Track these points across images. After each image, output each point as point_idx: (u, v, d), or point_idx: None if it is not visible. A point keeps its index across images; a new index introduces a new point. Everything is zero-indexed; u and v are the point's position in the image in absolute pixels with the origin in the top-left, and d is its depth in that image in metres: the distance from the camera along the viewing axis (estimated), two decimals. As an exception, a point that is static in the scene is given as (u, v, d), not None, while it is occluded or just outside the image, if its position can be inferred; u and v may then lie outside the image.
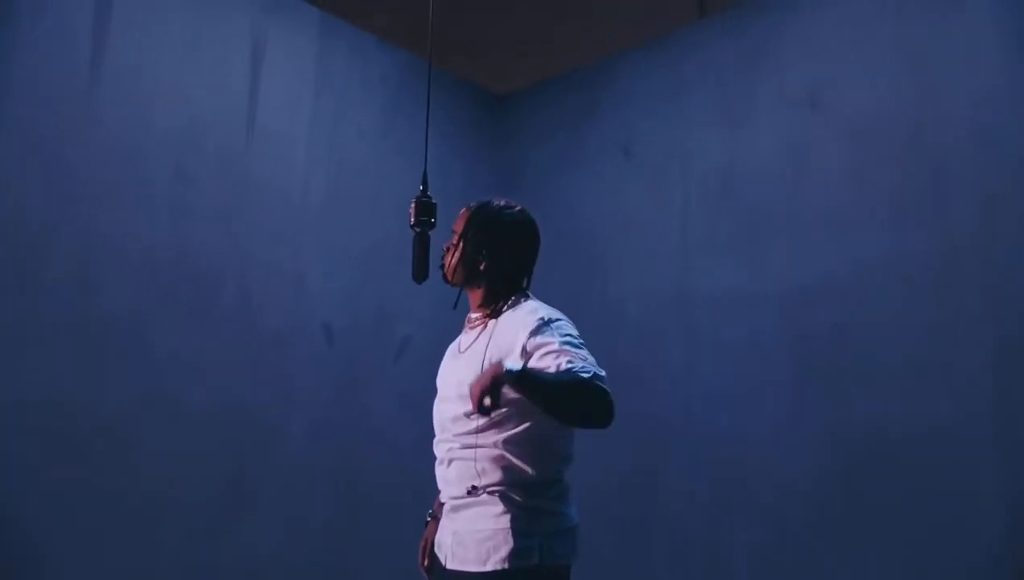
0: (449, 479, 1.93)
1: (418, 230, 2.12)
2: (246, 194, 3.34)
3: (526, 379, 1.69)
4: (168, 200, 3.13)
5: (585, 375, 1.73)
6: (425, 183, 2.21)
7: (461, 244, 2.03)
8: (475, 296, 2.06)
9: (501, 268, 2.02)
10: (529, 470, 1.85)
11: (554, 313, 1.95)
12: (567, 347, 1.82)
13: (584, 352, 1.83)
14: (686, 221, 3.64)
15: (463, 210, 2.08)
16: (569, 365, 1.76)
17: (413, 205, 2.15)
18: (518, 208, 2.12)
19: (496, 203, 2.09)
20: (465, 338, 2.05)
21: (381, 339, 3.69)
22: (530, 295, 2.07)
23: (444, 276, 2.07)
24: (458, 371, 1.96)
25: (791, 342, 3.26)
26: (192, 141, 3.21)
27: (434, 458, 2.01)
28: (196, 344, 3.13)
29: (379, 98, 3.83)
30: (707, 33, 3.70)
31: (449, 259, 2.05)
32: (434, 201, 2.17)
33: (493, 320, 1.99)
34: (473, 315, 2.06)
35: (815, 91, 3.35)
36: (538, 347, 1.83)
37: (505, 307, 1.99)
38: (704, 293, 3.52)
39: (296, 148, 3.53)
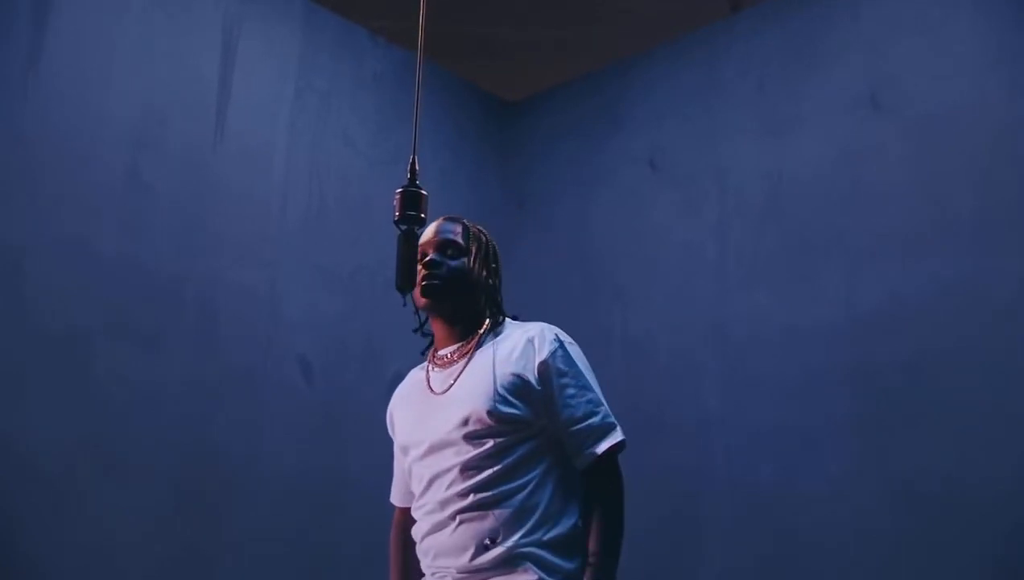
0: (460, 545, 1.70)
1: (404, 227, 1.77)
2: (212, 204, 3.01)
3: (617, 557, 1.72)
4: (119, 207, 2.79)
5: (613, 442, 1.77)
6: (413, 172, 1.87)
7: (463, 261, 1.87)
8: (449, 328, 1.88)
9: (496, 293, 1.92)
10: (555, 521, 1.72)
11: (562, 332, 1.87)
12: (585, 386, 1.80)
13: (597, 389, 1.83)
14: (723, 242, 3.29)
15: (454, 221, 1.94)
16: (590, 415, 1.76)
17: (398, 196, 1.81)
18: None
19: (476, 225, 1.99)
20: (437, 377, 1.85)
21: (368, 376, 3.31)
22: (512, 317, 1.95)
23: (428, 293, 1.84)
24: (446, 410, 1.77)
25: (850, 381, 2.88)
26: (150, 140, 2.88)
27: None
28: (146, 377, 2.77)
29: (371, 100, 3.51)
30: (744, 25, 3.38)
31: (441, 272, 1.85)
32: (424, 192, 1.83)
33: (478, 350, 1.83)
34: (444, 352, 1.88)
35: (876, 90, 3.01)
36: (561, 375, 1.77)
37: (488, 337, 1.85)
38: (744, 325, 3.16)
39: (273, 154, 3.20)
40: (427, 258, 1.86)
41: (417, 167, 1.88)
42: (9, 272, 2.55)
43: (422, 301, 1.85)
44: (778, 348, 3.06)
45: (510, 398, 1.71)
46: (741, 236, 3.25)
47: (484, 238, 1.93)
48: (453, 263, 1.85)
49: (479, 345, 1.82)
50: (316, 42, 3.36)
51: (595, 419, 1.74)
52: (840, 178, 3.04)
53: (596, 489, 1.74)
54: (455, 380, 1.79)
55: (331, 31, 3.41)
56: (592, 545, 1.69)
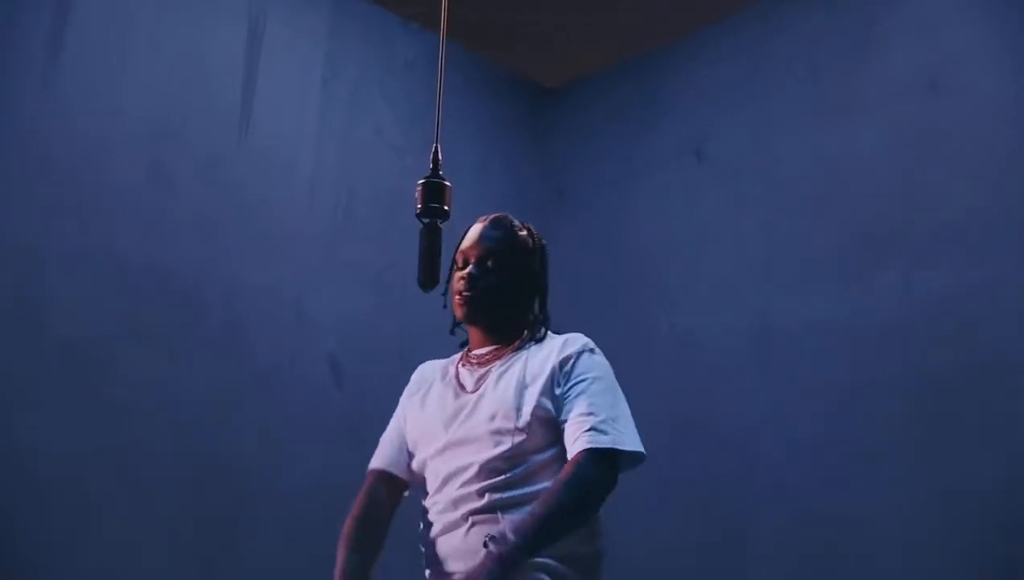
0: (472, 548, 1.63)
1: (426, 221, 1.74)
2: (237, 203, 2.95)
3: (535, 544, 1.55)
4: (140, 208, 2.74)
5: (595, 445, 1.63)
6: (436, 161, 1.82)
7: (499, 272, 1.81)
8: (485, 335, 1.86)
9: (540, 306, 1.88)
10: (575, 536, 1.63)
11: (593, 344, 1.83)
12: (600, 389, 1.71)
13: (621, 403, 1.74)
14: (771, 237, 3.15)
15: (494, 226, 1.86)
16: (590, 417, 1.66)
17: (420, 188, 1.77)
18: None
19: (515, 220, 1.91)
20: (468, 375, 1.82)
21: (400, 378, 3.20)
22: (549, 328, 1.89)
23: (465, 308, 1.81)
24: (473, 408, 1.74)
25: (907, 387, 2.72)
26: (172, 138, 2.82)
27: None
28: (168, 383, 2.71)
29: (402, 88, 3.43)
30: (794, 6, 3.23)
31: (478, 286, 1.80)
32: (447, 183, 1.78)
33: (515, 355, 1.80)
34: (479, 351, 1.85)
35: (935, 73, 2.85)
36: (574, 377, 1.72)
37: (528, 344, 1.82)
38: (794, 325, 3.01)
39: (299, 147, 3.13)
40: (466, 269, 1.81)
41: (440, 157, 1.82)
42: (24, 276, 2.51)
43: (458, 312, 1.82)
44: (830, 351, 2.91)
45: (539, 399, 1.68)
46: (791, 231, 3.10)
47: (532, 244, 1.86)
48: (493, 278, 1.80)
49: (516, 350, 1.80)
50: (345, 29, 3.28)
51: (594, 419, 1.65)
52: (897, 168, 2.89)
53: (568, 471, 1.61)
54: (487, 380, 1.76)
55: (360, 18, 3.33)
56: (525, 518, 1.57)
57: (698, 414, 3.16)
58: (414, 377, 1.96)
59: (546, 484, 1.63)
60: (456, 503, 1.68)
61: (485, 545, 1.57)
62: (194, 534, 2.69)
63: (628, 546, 3.16)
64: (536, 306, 1.86)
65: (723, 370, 3.15)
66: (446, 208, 1.75)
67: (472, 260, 1.81)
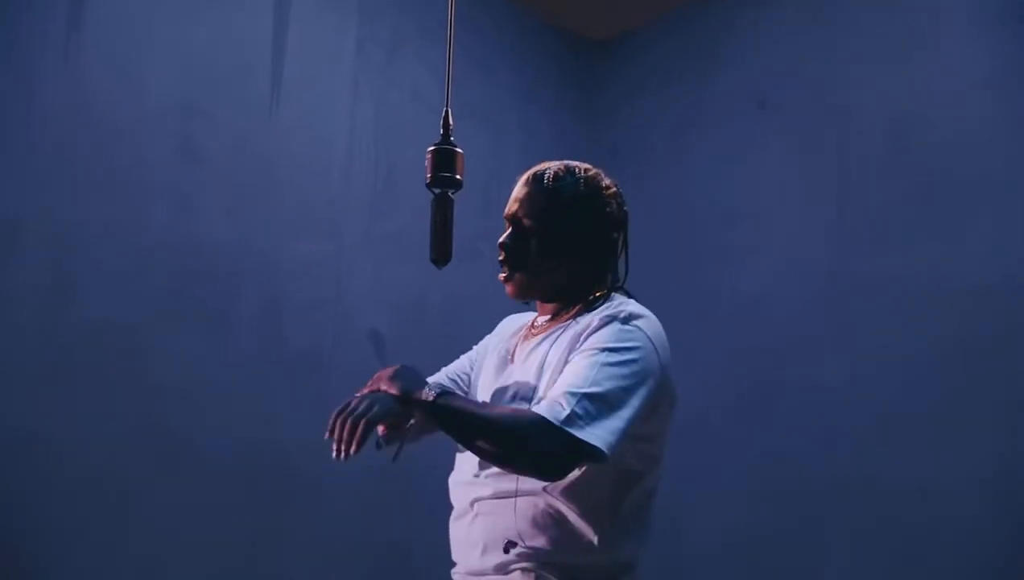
0: (472, 541, 1.52)
1: (437, 191, 1.63)
2: (271, 176, 2.88)
3: (440, 412, 1.40)
4: (170, 185, 2.69)
5: (548, 416, 1.35)
6: (446, 126, 1.72)
7: (539, 233, 1.58)
8: (549, 304, 1.65)
9: (595, 263, 1.60)
10: (594, 540, 1.44)
11: (646, 318, 1.51)
12: (599, 361, 1.41)
13: (620, 385, 1.40)
14: (844, 192, 2.95)
15: (526, 182, 1.63)
16: (567, 388, 1.38)
17: (429, 155, 1.67)
18: (606, 178, 1.67)
19: (578, 168, 1.64)
20: (522, 347, 1.63)
21: (447, 351, 3.12)
22: (623, 293, 1.62)
23: (507, 290, 1.62)
24: (502, 389, 1.58)
25: (999, 354, 2.52)
26: (200, 110, 2.76)
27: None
28: (205, 365, 2.68)
29: (440, 49, 3.27)
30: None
31: (513, 258, 1.60)
32: (458, 149, 1.67)
33: (562, 325, 1.57)
34: (540, 320, 1.66)
35: (1027, -1, 2.58)
36: (583, 347, 1.46)
37: (584, 314, 1.56)
38: (871, 287, 2.82)
39: (334, 115, 3.04)
40: (501, 240, 1.62)
41: (451, 121, 1.71)
42: (54, 257, 2.49)
43: (507, 293, 1.64)
44: (912, 314, 2.71)
45: (555, 379, 1.47)
46: (865, 184, 2.90)
47: (569, 186, 1.58)
48: (517, 243, 1.59)
49: (566, 321, 1.57)
50: (378, -10, 3.17)
51: (564, 389, 1.38)
52: (985, 110, 2.65)
53: (517, 419, 1.39)
54: (529, 353, 1.59)
55: (394, -24, 3.21)
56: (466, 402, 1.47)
57: (765, 387, 2.99)
58: (496, 330, 1.79)
59: (573, 477, 1.44)
60: (465, 488, 1.56)
61: (506, 550, 1.47)
62: (238, 518, 2.67)
63: (689, 535, 3.06)
64: (601, 272, 1.59)
65: (792, 338, 2.98)
66: (458, 177, 1.63)
67: (507, 226, 1.62)
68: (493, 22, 3.20)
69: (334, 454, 1.41)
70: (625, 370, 1.40)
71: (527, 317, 1.71)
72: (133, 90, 2.65)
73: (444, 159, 1.64)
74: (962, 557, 2.49)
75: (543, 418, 1.34)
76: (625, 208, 1.64)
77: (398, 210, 3.13)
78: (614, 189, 1.63)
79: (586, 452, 1.35)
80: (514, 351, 1.64)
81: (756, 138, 3.20)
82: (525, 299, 1.62)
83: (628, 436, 1.39)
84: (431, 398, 1.40)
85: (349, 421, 1.40)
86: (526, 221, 1.58)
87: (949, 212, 2.69)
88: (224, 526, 2.64)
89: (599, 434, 1.35)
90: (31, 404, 2.39)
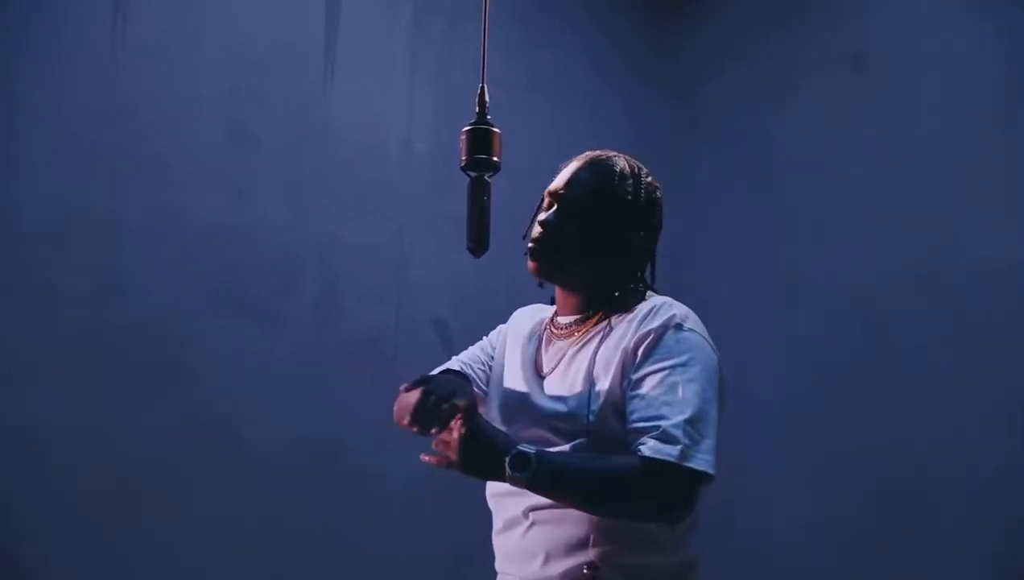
0: (530, 551, 1.48)
1: (472, 174, 1.57)
2: (327, 156, 2.80)
3: (540, 480, 1.34)
4: (220, 167, 2.64)
5: (663, 456, 1.33)
6: (482, 104, 1.62)
7: (577, 216, 1.54)
8: (566, 294, 1.60)
9: (630, 257, 1.57)
10: (668, 538, 1.45)
11: (692, 317, 1.50)
12: (680, 380, 1.39)
13: (706, 400, 1.39)
14: (949, 158, 2.69)
15: (588, 165, 1.58)
16: (660, 420, 1.35)
17: (464, 136, 1.58)
18: (648, 172, 1.62)
19: (643, 171, 1.60)
20: (549, 351, 1.59)
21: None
22: (653, 290, 1.61)
23: (531, 260, 1.57)
24: (543, 397, 1.53)
25: None
26: (250, 92, 2.70)
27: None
28: (260, 358, 2.64)
29: (503, 20, 3.13)
30: None
31: (549, 236, 1.55)
32: (496, 129, 1.58)
33: (603, 324, 1.53)
34: (563, 320, 1.60)
35: None
36: (648, 365, 1.41)
37: (618, 310, 1.54)
38: (983, 266, 2.58)
39: (391, 92, 2.94)
40: (543, 218, 1.57)
41: (487, 98, 1.60)
42: (104, 246, 2.47)
43: (529, 264, 1.59)
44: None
45: (610, 392, 1.44)
46: (979, 148, 2.63)
47: (631, 189, 1.55)
48: (572, 229, 1.53)
49: (597, 324, 1.54)
50: (436, -44, 3.04)
51: (664, 422, 1.35)
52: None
53: (622, 471, 1.35)
54: (558, 364, 1.55)
55: (452, -59, 3.08)
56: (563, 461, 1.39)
57: (861, 374, 2.78)
58: (509, 324, 1.75)
59: None
60: (515, 499, 1.49)
61: (587, 570, 1.42)
62: (293, 513, 2.63)
63: (775, 539, 2.89)
64: (629, 265, 1.57)
65: (892, 322, 2.76)
66: (495, 159, 1.55)
67: (555, 203, 1.56)
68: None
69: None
70: (702, 382, 1.40)
71: (542, 312, 1.67)
72: (181, 74, 2.61)
73: (480, 139, 1.56)
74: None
75: (661, 460, 1.33)
76: (661, 209, 1.61)
77: (461, 191, 2.95)
78: (661, 197, 1.61)
79: (704, 480, 1.36)
80: (540, 355, 1.59)
81: (852, 100, 2.95)
82: (548, 280, 1.58)
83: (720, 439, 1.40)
84: (525, 477, 1.33)
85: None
86: (579, 205, 1.53)
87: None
88: (279, 526, 2.61)
89: (707, 459, 1.35)
90: (82, 400, 2.38)
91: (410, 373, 2.85)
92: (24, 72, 2.40)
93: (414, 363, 2.86)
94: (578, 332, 1.54)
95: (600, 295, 1.55)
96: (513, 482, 1.33)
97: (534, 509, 1.47)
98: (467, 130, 1.55)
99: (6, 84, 2.38)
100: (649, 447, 1.33)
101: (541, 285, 1.62)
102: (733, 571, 2.87)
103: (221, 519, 2.52)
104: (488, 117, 1.57)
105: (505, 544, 1.54)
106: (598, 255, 1.53)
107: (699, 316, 1.50)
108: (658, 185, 1.60)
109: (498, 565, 1.59)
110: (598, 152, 1.60)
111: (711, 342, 1.47)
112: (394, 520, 2.79)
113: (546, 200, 1.59)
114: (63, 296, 2.39)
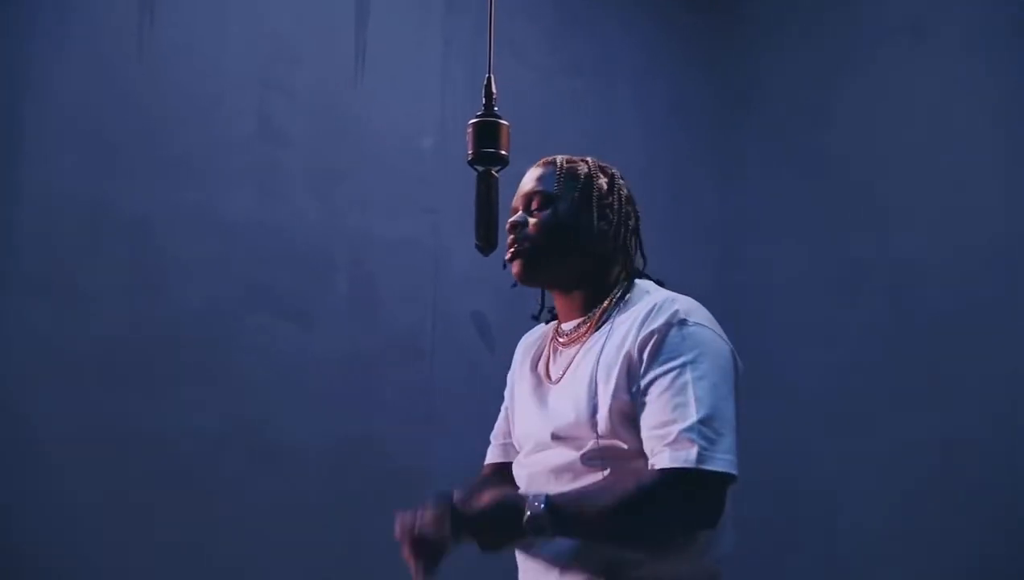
0: (539, 566, 1.47)
1: (480, 168, 1.53)
2: (359, 149, 2.78)
3: (561, 523, 1.32)
4: (251, 167, 2.63)
5: (680, 464, 1.29)
6: (488, 95, 1.58)
7: (549, 211, 1.52)
8: (565, 297, 1.57)
9: (616, 247, 1.53)
10: (698, 543, 1.39)
11: (697, 309, 1.44)
12: (691, 379, 1.34)
13: (720, 396, 1.35)
14: (1020, 133, 2.51)
15: (538, 165, 1.60)
16: (673, 425, 1.31)
17: (470, 129, 1.54)
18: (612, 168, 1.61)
19: (576, 158, 1.60)
20: (556, 359, 1.56)
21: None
22: (651, 281, 1.56)
23: (516, 264, 1.55)
24: (549, 413, 1.51)
25: None
26: (279, 82, 2.68)
27: None
28: (294, 356, 2.62)
29: (540, 1, 3.09)
30: None
31: (520, 235, 1.54)
32: (503, 121, 1.54)
33: (596, 331, 1.50)
34: (567, 326, 1.57)
35: None
36: (656, 366, 1.36)
37: (615, 310, 1.50)
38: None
39: (425, 78, 2.90)
40: (511, 220, 1.57)
41: (494, 89, 1.55)
42: (134, 246, 2.48)
43: (514, 273, 1.57)
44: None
45: (616, 397, 1.40)
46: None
47: (589, 172, 1.55)
48: (526, 220, 1.54)
49: (599, 322, 1.51)
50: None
51: (676, 427, 1.31)
52: None
53: (631, 491, 1.32)
54: (566, 371, 1.52)
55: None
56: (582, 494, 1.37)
57: (930, 366, 2.64)
58: (515, 356, 1.73)
59: None
60: None
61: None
62: (329, 519, 2.61)
63: (844, 535, 2.77)
64: (610, 243, 1.53)
65: (962, 309, 2.62)
66: (503, 152, 1.50)
67: (518, 209, 1.57)
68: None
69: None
70: (714, 377, 1.35)
71: (544, 329, 1.65)
72: (208, 68, 2.60)
73: (487, 132, 1.51)
74: None
75: (677, 469, 1.29)
76: (630, 193, 1.59)
77: (501, 179, 2.96)
78: (615, 172, 1.59)
79: (728, 482, 1.33)
80: (548, 365, 1.56)
81: (910, 71, 2.82)
82: (534, 282, 1.57)
83: (740, 437, 1.36)
84: (545, 528, 1.32)
85: None
86: (543, 196, 1.54)
87: None
88: (315, 527, 2.59)
89: (727, 459, 1.31)
90: (115, 401, 2.39)
91: (449, 370, 2.84)
92: (54, 73, 2.41)
93: (453, 359, 2.84)
94: (583, 337, 1.51)
95: (591, 291, 1.52)
96: (541, 535, 1.32)
97: None
98: (473, 123, 1.51)
99: (36, 86, 2.39)
100: (665, 457, 1.30)
101: (538, 314, 1.64)
102: (801, 574, 2.80)
103: (256, 519, 2.52)
104: (496, 109, 1.51)
105: (524, 558, 1.53)
106: (572, 242, 1.50)
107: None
108: (621, 176, 1.58)
109: (521, 577, 1.56)
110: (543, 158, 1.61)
111: (721, 333, 1.42)
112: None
113: (512, 212, 1.59)
114: (95, 297, 2.41)
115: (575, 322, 1.54)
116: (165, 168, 2.52)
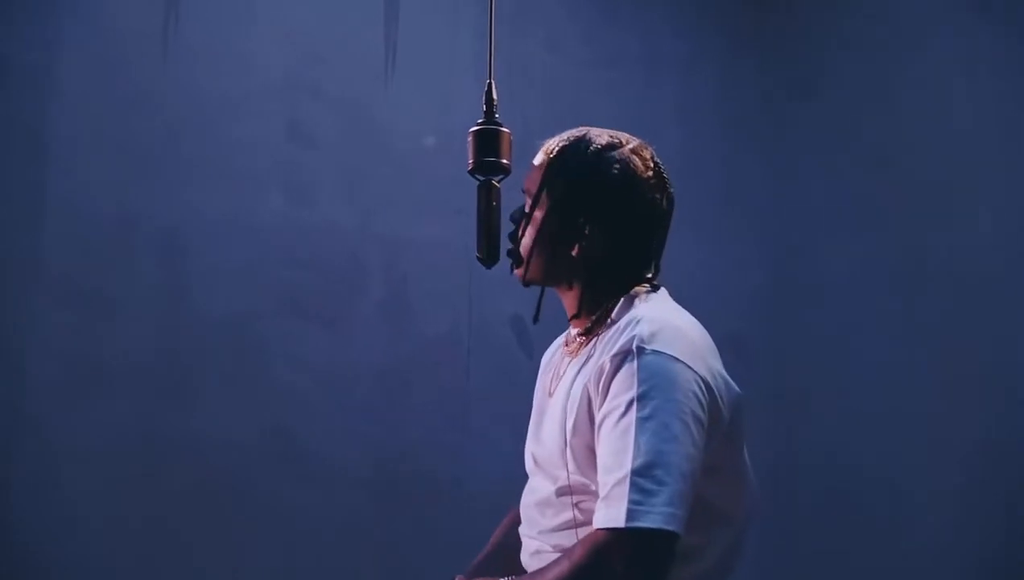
0: None
1: (480, 178, 1.49)
2: (389, 151, 2.75)
3: None
4: (281, 170, 2.63)
5: (608, 524, 1.16)
6: (489, 102, 1.55)
7: (538, 213, 1.43)
8: (569, 298, 1.47)
9: (609, 252, 1.39)
10: None
11: (662, 330, 1.27)
12: (631, 423, 1.19)
13: (664, 439, 1.18)
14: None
15: (540, 155, 1.48)
16: (609, 475, 1.19)
17: (471, 137, 1.51)
18: (631, 145, 1.42)
19: (595, 140, 1.42)
20: (559, 373, 1.46)
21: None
22: (650, 291, 1.41)
23: (513, 269, 1.51)
24: (539, 433, 1.44)
25: None
26: (308, 87, 2.67)
27: None
28: (327, 361, 2.62)
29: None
30: None
31: (520, 240, 1.47)
32: (504, 129, 1.52)
33: (597, 338, 1.37)
34: (574, 332, 1.48)
35: None
36: (605, 405, 1.25)
37: (608, 317, 1.39)
38: None
39: (457, 74, 2.85)
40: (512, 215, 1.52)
41: (495, 95, 1.49)
42: (164, 255, 2.50)
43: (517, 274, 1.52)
44: None
45: (578, 430, 1.30)
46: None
47: (584, 162, 1.39)
48: (524, 219, 1.47)
49: (591, 335, 1.41)
50: (499, -69, 2.92)
51: (612, 478, 1.19)
52: None
53: (576, 559, 1.19)
54: (558, 386, 1.42)
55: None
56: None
57: (991, 364, 2.54)
58: (544, 358, 1.65)
59: None
60: (525, 539, 1.45)
61: None
62: (364, 528, 2.61)
63: (910, 537, 2.66)
64: (629, 262, 1.40)
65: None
66: (504, 161, 1.47)
67: (525, 200, 1.49)
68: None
69: None
70: (664, 415, 1.19)
71: (562, 338, 1.56)
72: (235, 71, 2.61)
73: (488, 141, 1.48)
74: None
75: (609, 529, 1.17)
76: (664, 179, 1.41)
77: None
78: (636, 158, 1.39)
79: (663, 539, 1.16)
80: (552, 377, 1.48)
81: (975, 51, 2.72)
82: (532, 282, 1.49)
83: (695, 483, 1.20)
84: None
85: None
86: (536, 200, 1.45)
87: None
88: (349, 536, 2.59)
89: (663, 512, 1.15)
90: (147, 411, 2.42)
91: (487, 375, 2.80)
92: (79, 79, 2.44)
93: (491, 364, 2.80)
94: (579, 349, 1.42)
95: (590, 295, 1.41)
96: None
97: (532, 556, 1.41)
98: (473, 131, 1.48)
99: (61, 92, 2.42)
100: (600, 515, 1.18)
101: (535, 317, 1.52)
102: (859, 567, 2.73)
103: (291, 530, 2.52)
104: (496, 116, 1.46)
105: None
106: (553, 249, 1.41)
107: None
108: (650, 159, 1.41)
109: None
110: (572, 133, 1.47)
111: (690, 360, 1.24)
112: (472, 530, 2.72)
113: None
114: (124, 305, 2.43)
115: (577, 330, 1.46)
116: (192, 173, 2.53)
